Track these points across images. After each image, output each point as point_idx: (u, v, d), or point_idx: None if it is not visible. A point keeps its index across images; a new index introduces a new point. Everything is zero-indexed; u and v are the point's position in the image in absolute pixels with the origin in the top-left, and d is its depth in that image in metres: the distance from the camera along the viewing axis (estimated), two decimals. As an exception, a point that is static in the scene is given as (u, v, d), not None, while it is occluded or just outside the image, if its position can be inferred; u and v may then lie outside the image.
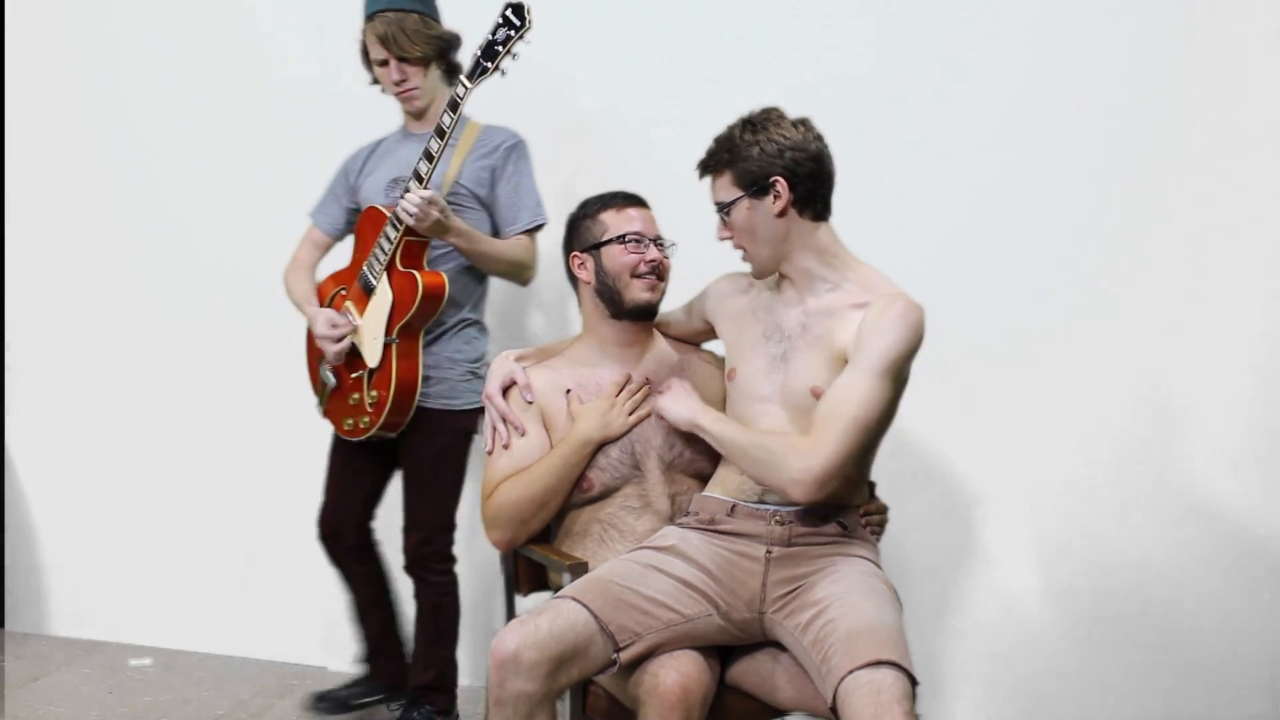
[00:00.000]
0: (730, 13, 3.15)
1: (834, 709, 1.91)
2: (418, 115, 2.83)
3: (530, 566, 2.46)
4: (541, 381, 2.40)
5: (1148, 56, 2.88)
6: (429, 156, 2.59)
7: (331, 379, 2.81)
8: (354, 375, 2.77)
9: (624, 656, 2.05)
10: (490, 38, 2.50)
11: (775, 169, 2.16)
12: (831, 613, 2.02)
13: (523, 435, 2.36)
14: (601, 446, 2.34)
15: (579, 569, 2.22)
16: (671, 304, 2.47)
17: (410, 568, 2.86)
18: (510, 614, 2.50)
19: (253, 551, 3.61)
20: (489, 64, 2.49)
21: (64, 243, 3.82)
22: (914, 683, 1.92)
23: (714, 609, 2.13)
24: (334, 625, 3.56)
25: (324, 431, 3.56)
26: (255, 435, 3.60)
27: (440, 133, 2.57)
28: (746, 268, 2.30)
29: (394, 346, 2.68)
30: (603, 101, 3.25)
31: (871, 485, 2.34)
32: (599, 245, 2.38)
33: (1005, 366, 2.97)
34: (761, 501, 2.20)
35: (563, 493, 2.34)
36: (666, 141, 3.16)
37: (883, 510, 2.30)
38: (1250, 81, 2.83)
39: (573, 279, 2.45)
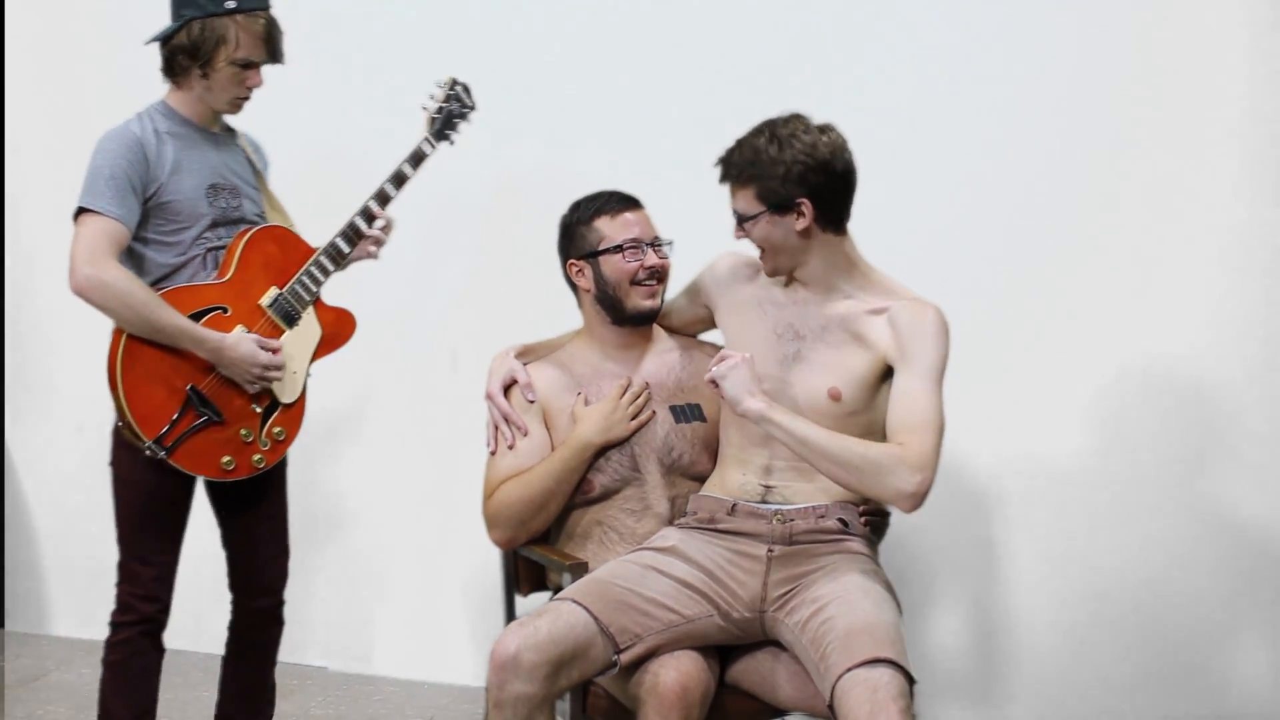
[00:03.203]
0: (727, 6, 3.16)
1: (831, 707, 1.92)
2: (215, 119, 2.53)
3: (530, 567, 2.47)
4: (543, 379, 2.41)
5: (1126, 55, 2.90)
6: (385, 199, 2.59)
7: (218, 413, 2.43)
8: (255, 409, 2.47)
9: (624, 658, 2.06)
10: (449, 107, 2.68)
11: (800, 192, 2.13)
12: (830, 611, 2.03)
13: (525, 435, 2.37)
14: (603, 451, 2.35)
15: (579, 569, 2.23)
16: (670, 294, 2.47)
17: (276, 607, 2.69)
18: (510, 614, 2.51)
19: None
20: (450, 133, 2.69)
21: (64, 241, 3.81)
22: (911, 681, 1.93)
23: (714, 609, 2.14)
24: (334, 626, 3.57)
25: (325, 430, 3.58)
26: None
27: (401, 181, 2.59)
28: (749, 247, 2.29)
29: (307, 382, 2.57)
30: (595, 95, 3.26)
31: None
32: (597, 254, 2.38)
33: (1005, 367, 2.98)
34: (764, 501, 2.20)
35: (563, 495, 2.34)
36: (660, 134, 3.18)
37: (884, 513, 2.31)
38: (1220, 77, 2.85)
39: (570, 283, 2.45)
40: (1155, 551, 2.92)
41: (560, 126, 3.29)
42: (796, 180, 2.12)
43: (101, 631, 2.56)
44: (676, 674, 2.05)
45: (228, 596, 2.73)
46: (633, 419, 2.36)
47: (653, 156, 3.12)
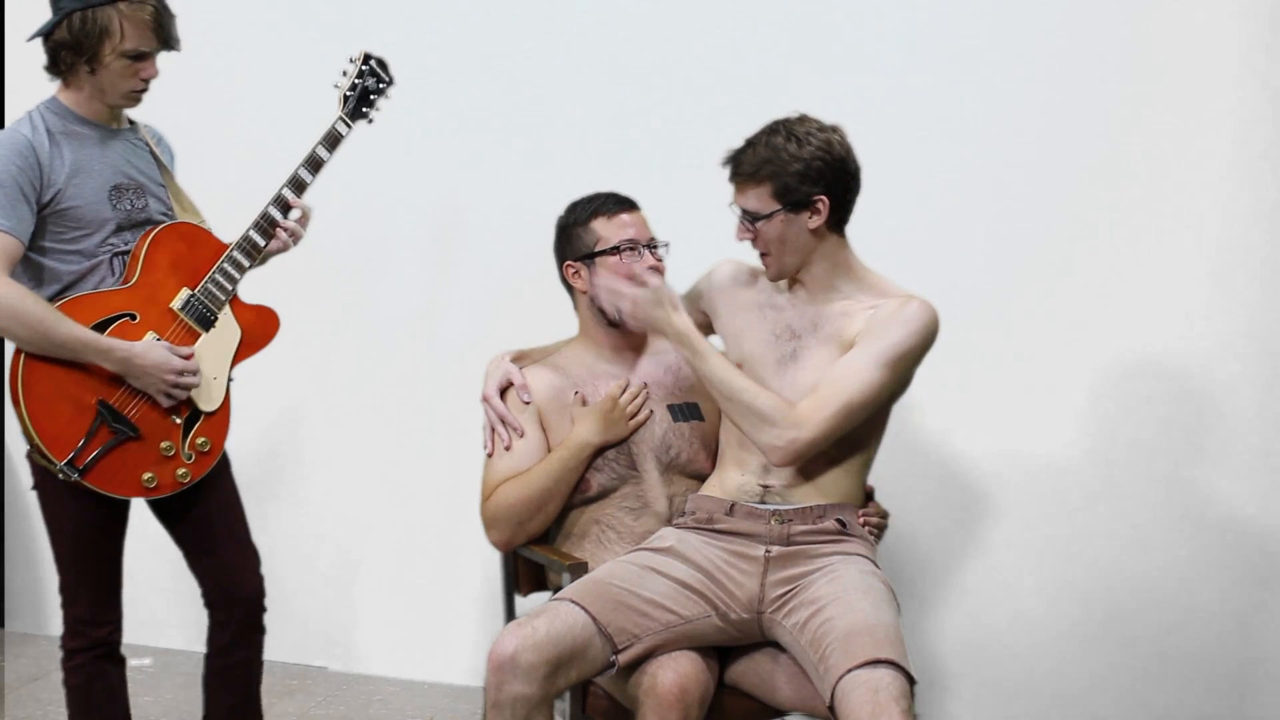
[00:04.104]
0: (723, 8, 3.16)
1: (832, 708, 1.91)
2: (113, 114, 2.37)
3: (530, 567, 2.47)
4: (539, 382, 2.40)
5: (1125, 49, 2.89)
6: (300, 186, 2.44)
7: (133, 428, 2.26)
8: (175, 420, 2.31)
9: (622, 658, 2.06)
10: (364, 84, 2.55)
11: (817, 189, 2.14)
12: (829, 612, 2.02)
13: (521, 437, 2.37)
14: (601, 451, 2.34)
15: (579, 569, 2.23)
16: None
17: (256, 614, 2.50)
18: (510, 614, 2.51)
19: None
20: (368, 111, 2.57)
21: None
22: (912, 682, 1.92)
23: (712, 610, 2.14)
24: (334, 626, 3.57)
25: (326, 430, 3.58)
26: (253, 434, 3.59)
27: (317, 166, 2.46)
28: (745, 255, 2.29)
29: (229, 387, 2.40)
30: (590, 95, 3.25)
31: (870, 490, 2.34)
32: (593, 255, 2.37)
33: (1007, 366, 2.97)
34: (762, 501, 2.20)
35: (561, 495, 2.34)
36: (656, 136, 3.17)
37: (883, 515, 2.31)
38: (1216, 74, 2.84)
39: (566, 284, 2.45)
40: (1151, 550, 2.92)
41: (558, 127, 3.28)
42: (814, 177, 2.13)
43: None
44: (675, 675, 2.05)
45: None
46: (631, 419, 2.36)
47: (649, 158, 3.11)
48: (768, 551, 2.16)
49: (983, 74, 2.97)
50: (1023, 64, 2.94)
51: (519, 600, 2.52)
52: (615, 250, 2.35)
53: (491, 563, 3.18)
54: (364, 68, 2.56)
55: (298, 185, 2.45)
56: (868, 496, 2.33)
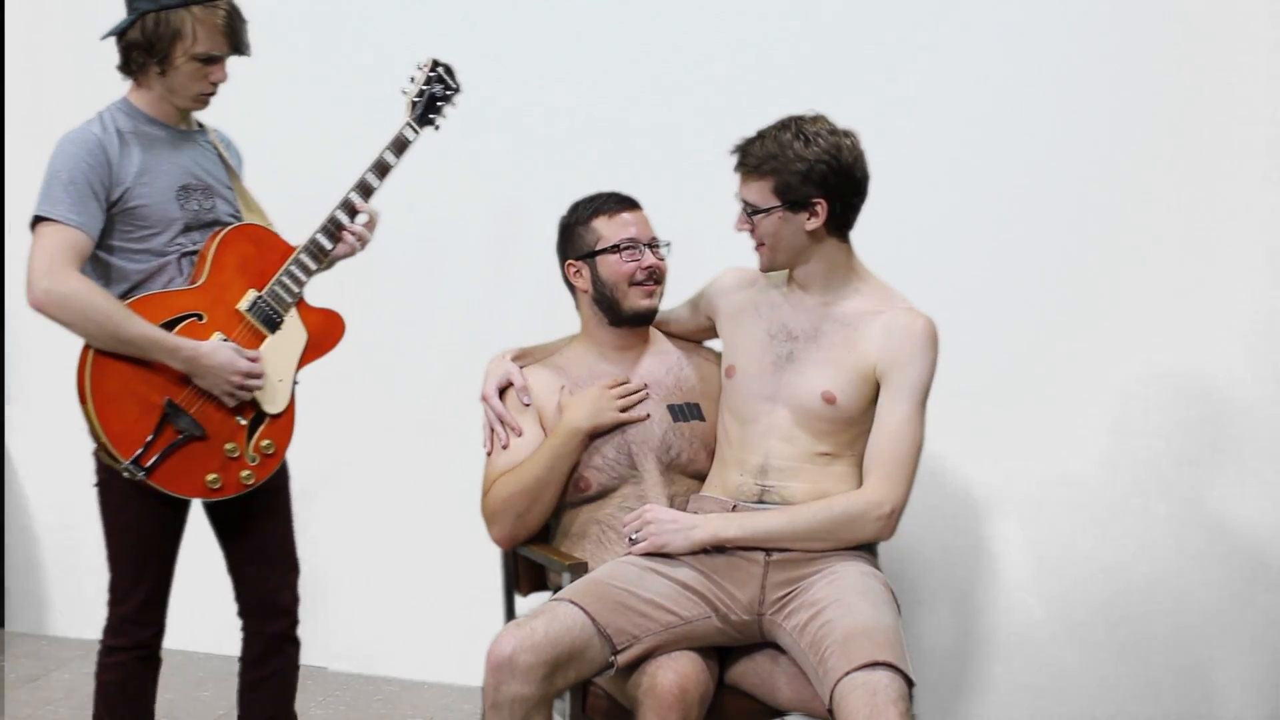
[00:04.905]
0: (727, 9, 3.16)
1: (831, 710, 1.92)
2: (182, 116, 2.38)
3: (530, 567, 2.47)
4: (539, 382, 2.41)
5: (1139, 58, 2.88)
6: (367, 190, 2.44)
7: (199, 428, 2.28)
8: (240, 421, 2.32)
9: (621, 659, 2.06)
10: (431, 90, 2.54)
11: (818, 192, 2.13)
12: (829, 614, 2.02)
13: (519, 436, 2.37)
14: (593, 439, 2.34)
15: (579, 569, 2.23)
16: (669, 300, 2.47)
17: (289, 627, 2.54)
18: (510, 614, 2.51)
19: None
20: (435, 117, 2.56)
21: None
22: (910, 684, 1.92)
23: (712, 611, 2.14)
24: (334, 627, 3.57)
25: (323, 430, 3.57)
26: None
27: (384, 171, 2.45)
28: (749, 262, 2.30)
29: (295, 390, 2.42)
30: (590, 97, 3.25)
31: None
32: (594, 254, 2.38)
33: (1009, 369, 2.97)
34: (761, 501, 2.20)
35: (556, 484, 2.34)
36: (658, 136, 3.17)
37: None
38: (1239, 84, 2.83)
39: (568, 284, 2.45)
40: (1153, 557, 2.92)
41: (558, 128, 3.28)
42: (817, 180, 2.12)
43: (100, 631, 2.51)
44: (675, 675, 2.05)
45: (229, 599, 2.65)
46: (622, 410, 2.36)
47: (650, 158, 3.12)
48: (769, 553, 2.16)
49: (1000, 79, 2.96)
50: (1042, 72, 2.93)
51: (519, 600, 2.52)
52: (616, 249, 2.36)
53: (491, 563, 3.18)
54: (431, 74, 2.56)
55: (364, 190, 2.45)
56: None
